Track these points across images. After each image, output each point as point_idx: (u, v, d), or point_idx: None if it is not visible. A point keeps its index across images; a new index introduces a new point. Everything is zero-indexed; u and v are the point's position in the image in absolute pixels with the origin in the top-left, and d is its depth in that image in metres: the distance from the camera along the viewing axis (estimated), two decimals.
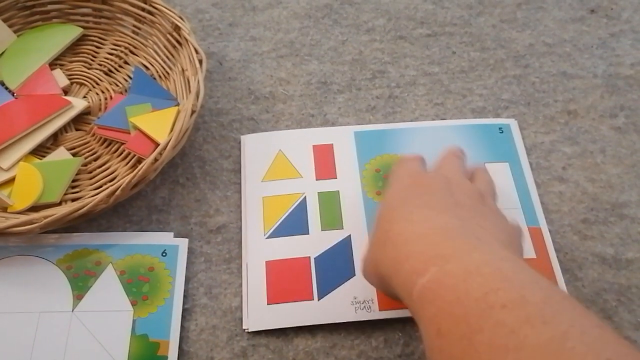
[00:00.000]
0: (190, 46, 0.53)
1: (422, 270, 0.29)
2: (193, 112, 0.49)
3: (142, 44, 0.60)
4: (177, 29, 0.56)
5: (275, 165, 0.54)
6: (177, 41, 0.56)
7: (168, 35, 0.57)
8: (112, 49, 0.60)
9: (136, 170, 0.46)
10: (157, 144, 0.50)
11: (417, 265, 0.29)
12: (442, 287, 0.28)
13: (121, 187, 0.45)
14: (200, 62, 0.52)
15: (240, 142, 0.56)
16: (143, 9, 0.58)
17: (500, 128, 0.56)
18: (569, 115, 0.58)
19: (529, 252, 0.49)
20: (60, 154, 0.52)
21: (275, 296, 0.47)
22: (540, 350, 0.24)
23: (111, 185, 0.50)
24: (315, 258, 0.49)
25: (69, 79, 0.58)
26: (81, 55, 0.60)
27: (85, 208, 0.44)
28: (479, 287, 0.27)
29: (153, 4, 0.57)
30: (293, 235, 0.50)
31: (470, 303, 0.27)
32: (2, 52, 0.59)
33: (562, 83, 0.60)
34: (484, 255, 0.29)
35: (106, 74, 0.59)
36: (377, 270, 0.36)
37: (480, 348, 0.25)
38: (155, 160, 0.47)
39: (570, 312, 0.27)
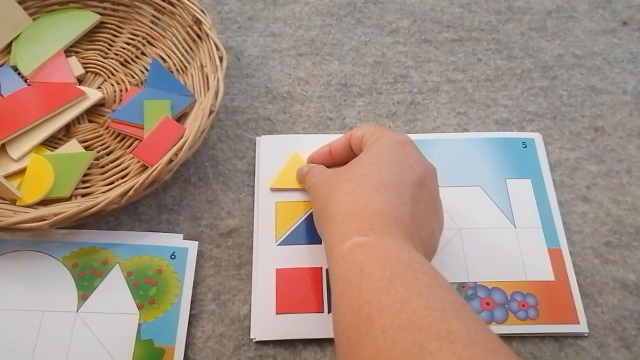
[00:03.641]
0: (211, 41, 0.52)
1: (365, 231, 0.37)
2: (211, 112, 0.48)
3: (161, 35, 0.58)
4: (197, 22, 0.54)
5: (290, 167, 0.52)
6: (197, 35, 0.54)
7: (188, 28, 0.55)
8: (130, 38, 0.59)
9: (150, 171, 0.45)
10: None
11: (362, 226, 0.37)
12: (375, 244, 0.36)
13: (134, 187, 0.44)
14: (221, 59, 0.50)
15: (255, 143, 0.54)
16: None
17: (524, 143, 0.54)
18: (596, 132, 0.56)
19: (548, 274, 0.48)
20: (73, 147, 0.51)
21: (284, 306, 0.46)
22: (445, 302, 0.32)
23: (123, 183, 0.49)
24: (327, 269, 0.47)
25: (84, 68, 0.56)
26: (97, 43, 0.59)
27: (96, 207, 0.43)
28: (405, 255, 0.35)
29: None
30: (305, 243, 0.49)
31: (396, 261, 0.34)
32: (17, 36, 0.58)
33: (590, 98, 0.58)
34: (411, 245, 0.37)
35: (122, 64, 0.57)
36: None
37: (397, 283, 0.33)
38: (171, 161, 0.45)
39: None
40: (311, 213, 0.50)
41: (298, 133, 0.55)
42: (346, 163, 0.44)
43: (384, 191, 0.39)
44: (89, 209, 0.43)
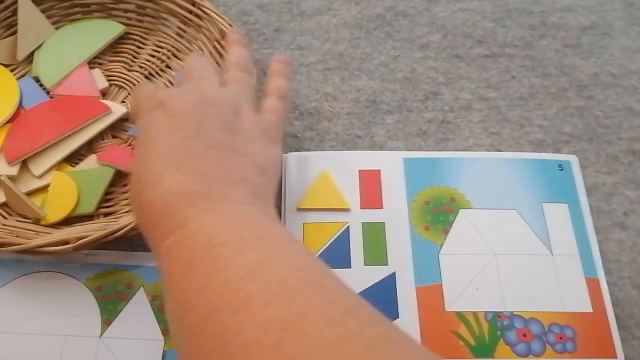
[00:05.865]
0: None
1: (167, 235, 0.33)
2: None
3: (186, 47, 0.57)
4: (224, 36, 0.52)
5: (319, 186, 0.51)
6: (224, 48, 0.53)
7: (215, 42, 0.54)
8: (155, 50, 0.57)
9: None
10: None
11: (163, 231, 0.33)
12: (178, 244, 0.32)
13: None
14: None
15: (282, 161, 0.53)
16: (190, 11, 0.55)
17: (560, 165, 0.52)
18: (634, 156, 0.54)
19: (585, 305, 0.46)
20: (95, 163, 0.50)
21: None
22: (245, 268, 0.29)
23: None
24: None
25: (108, 80, 0.55)
26: (121, 55, 0.57)
27: (120, 232, 0.41)
28: (205, 235, 0.32)
29: (201, 7, 0.54)
30: (334, 267, 0.47)
31: (196, 248, 0.31)
32: (39, 46, 0.56)
33: (628, 119, 0.56)
34: (219, 214, 0.34)
35: (146, 77, 0.56)
36: (136, 218, 0.39)
37: (199, 276, 0.30)
38: None
39: (278, 244, 0.33)
40: (340, 235, 0.49)
41: (326, 151, 0.54)
42: None
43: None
44: (114, 232, 0.42)
